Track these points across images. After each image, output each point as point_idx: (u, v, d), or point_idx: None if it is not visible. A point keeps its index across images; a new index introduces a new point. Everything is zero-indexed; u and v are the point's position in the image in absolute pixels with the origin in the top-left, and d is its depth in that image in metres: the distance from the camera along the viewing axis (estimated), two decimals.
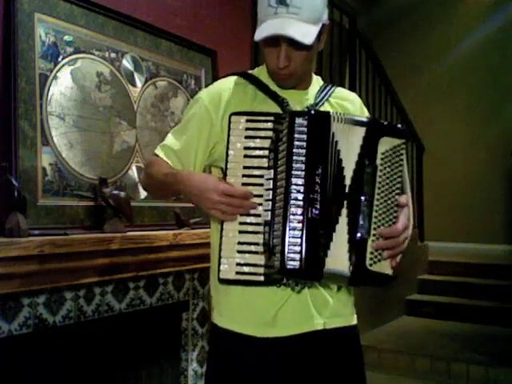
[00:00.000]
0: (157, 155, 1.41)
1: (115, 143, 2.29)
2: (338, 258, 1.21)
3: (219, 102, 1.37)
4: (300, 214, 1.17)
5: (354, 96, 1.51)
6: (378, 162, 1.24)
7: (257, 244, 1.24)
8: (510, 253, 5.25)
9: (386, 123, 1.29)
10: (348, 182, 1.23)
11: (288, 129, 1.21)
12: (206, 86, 2.72)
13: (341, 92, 1.48)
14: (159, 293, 2.38)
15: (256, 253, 1.24)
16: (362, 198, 1.22)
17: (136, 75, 2.43)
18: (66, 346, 2.00)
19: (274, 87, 1.37)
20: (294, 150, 1.19)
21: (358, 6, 5.03)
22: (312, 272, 1.19)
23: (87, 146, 2.16)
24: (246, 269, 1.24)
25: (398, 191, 1.25)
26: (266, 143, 1.26)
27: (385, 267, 1.24)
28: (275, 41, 1.26)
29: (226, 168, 1.26)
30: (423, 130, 5.35)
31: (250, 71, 1.45)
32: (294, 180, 1.18)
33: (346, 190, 1.22)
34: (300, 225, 1.17)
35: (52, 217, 1.97)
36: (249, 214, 1.24)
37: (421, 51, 5.91)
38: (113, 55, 2.32)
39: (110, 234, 2.02)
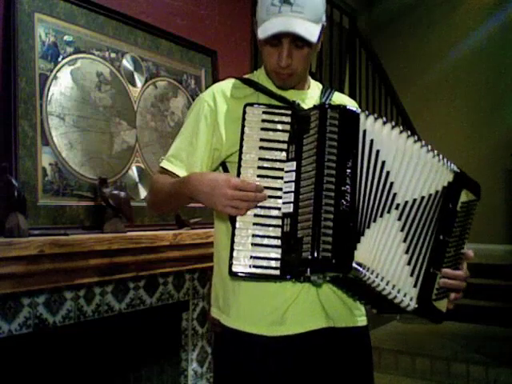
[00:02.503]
0: (163, 167, 1.39)
1: (115, 143, 2.29)
2: (399, 280, 1.24)
3: (221, 103, 1.36)
4: (332, 205, 1.16)
5: (350, 100, 1.54)
6: (458, 209, 1.33)
7: (273, 237, 1.21)
8: (511, 253, 5.25)
9: (471, 178, 1.36)
10: (404, 196, 1.26)
11: (319, 121, 1.20)
12: (206, 86, 2.74)
13: (340, 95, 1.51)
14: (159, 293, 2.38)
15: (271, 246, 1.21)
16: (441, 235, 1.29)
17: (136, 75, 2.43)
18: (66, 346, 2.00)
19: (273, 88, 1.37)
20: (327, 142, 1.18)
21: (358, 6, 5.03)
22: (342, 264, 1.17)
23: (87, 145, 2.15)
24: (260, 262, 1.21)
25: (465, 240, 1.35)
26: (283, 136, 1.25)
27: (443, 305, 1.30)
28: (277, 40, 1.27)
29: (240, 159, 1.24)
30: (423, 130, 5.34)
31: (248, 76, 1.45)
32: (326, 171, 1.17)
33: (398, 201, 1.25)
34: (331, 216, 1.16)
35: (52, 217, 1.97)
36: (263, 207, 1.22)
37: (421, 51, 5.92)
38: (113, 55, 2.32)
39: (109, 234, 2.02)
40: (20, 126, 1.90)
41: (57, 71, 2.07)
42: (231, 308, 1.33)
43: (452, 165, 1.34)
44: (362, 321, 1.39)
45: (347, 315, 1.35)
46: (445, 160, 1.32)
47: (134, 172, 2.36)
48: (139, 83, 2.44)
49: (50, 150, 2.01)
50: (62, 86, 2.08)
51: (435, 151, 1.31)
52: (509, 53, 5.64)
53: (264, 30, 1.26)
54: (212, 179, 1.23)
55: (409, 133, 1.28)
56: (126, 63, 2.39)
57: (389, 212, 1.24)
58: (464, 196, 1.34)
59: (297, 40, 1.26)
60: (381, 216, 1.23)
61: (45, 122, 2.00)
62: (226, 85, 1.41)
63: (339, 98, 1.48)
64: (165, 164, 1.38)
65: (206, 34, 2.88)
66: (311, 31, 1.26)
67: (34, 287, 1.79)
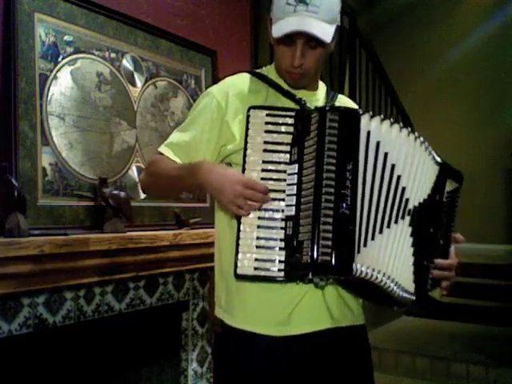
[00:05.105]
0: (161, 153, 1.36)
1: (115, 143, 2.29)
2: (405, 280, 1.28)
3: (231, 98, 1.35)
4: (331, 209, 1.15)
5: (353, 104, 1.54)
6: (444, 199, 1.35)
7: (276, 239, 1.22)
8: (511, 253, 5.24)
9: (454, 168, 1.38)
10: (414, 201, 1.28)
11: (318, 124, 1.19)
12: (206, 86, 2.74)
13: (343, 98, 1.51)
14: (159, 293, 2.38)
15: (275, 248, 1.22)
16: (431, 228, 1.32)
17: (136, 75, 2.43)
18: (66, 346, 2.00)
19: (284, 86, 1.37)
20: (326, 145, 1.17)
21: (358, 6, 5.03)
22: (342, 267, 1.16)
23: (87, 146, 2.16)
24: (264, 265, 1.21)
25: (452, 228, 1.38)
26: (286, 138, 1.25)
27: (437, 294, 1.35)
28: (291, 39, 1.27)
29: (244, 162, 1.24)
30: (423, 129, 5.31)
31: (258, 70, 1.44)
32: (325, 174, 1.16)
33: (409, 207, 1.27)
34: (331, 220, 1.15)
35: (52, 217, 1.97)
36: (267, 209, 1.22)
37: (421, 51, 5.91)
38: (113, 55, 2.32)
39: (109, 234, 2.02)
40: (20, 126, 1.90)
41: (57, 71, 2.07)
42: (235, 308, 1.32)
43: (436, 156, 1.35)
44: (361, 319, 1.40)
45: (349, 314, 1.35)
46: (430, 150, 1.33)
47: (133, 172, 2.36)
48: (139, 83, 2.44)
49: (50, 150, 2.01)
50: (62, 86, 2.08)
51: (426, 143, 1.31)
52: (509, 53, 5.63)
53: (279, 29, 1.25)
54: (224, 174, 1.23)
55: (416, 134, 1.28)
56: (126, 63, 2.39)
57: (403, 218, 1.26)
58: (449, 185, 1.36)
59: (311, 40, 1.26)
60: (395, 222, 1.25)
61: (45, 122, 2.00)
62: (239, 79, 1.39)
63: (342, 100, 1.48)
64: (165, 151, 1.36)
65: (206, 34, 2.88)
66: (326, 32, 1.25)
67: (34, 287, 1.79)
